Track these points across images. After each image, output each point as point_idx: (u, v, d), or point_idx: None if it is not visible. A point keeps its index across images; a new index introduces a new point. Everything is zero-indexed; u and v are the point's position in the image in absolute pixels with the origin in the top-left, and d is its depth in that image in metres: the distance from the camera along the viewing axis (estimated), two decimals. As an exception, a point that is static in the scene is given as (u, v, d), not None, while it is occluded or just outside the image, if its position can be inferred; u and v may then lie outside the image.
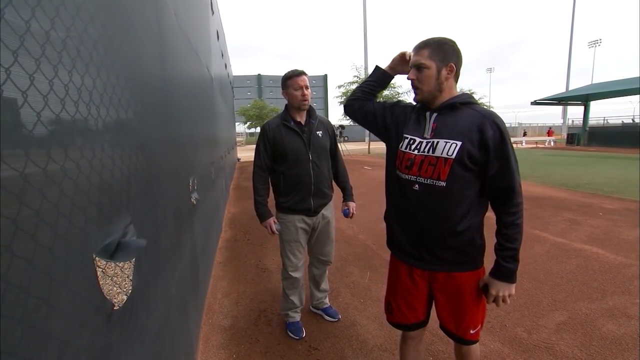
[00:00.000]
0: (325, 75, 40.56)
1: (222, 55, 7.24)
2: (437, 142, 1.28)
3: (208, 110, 3.86)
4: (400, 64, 1.49)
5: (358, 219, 5.07)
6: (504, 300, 1.31)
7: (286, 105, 2.21)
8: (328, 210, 2.31)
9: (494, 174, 1.24)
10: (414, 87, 1.34)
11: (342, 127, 24.75)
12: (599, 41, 45.40)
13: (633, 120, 25.93)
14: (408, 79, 1.35)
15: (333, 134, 2.34)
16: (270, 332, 2.40)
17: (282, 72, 2.18)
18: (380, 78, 1.57)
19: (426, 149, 1.30)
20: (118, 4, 1.09)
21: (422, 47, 1.29)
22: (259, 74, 36.64)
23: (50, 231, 0.65)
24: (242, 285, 3.14)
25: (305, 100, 2.10)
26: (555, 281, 2.98)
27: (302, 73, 2.11)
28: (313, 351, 2.17)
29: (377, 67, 1.58)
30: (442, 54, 1.27)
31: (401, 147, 1.38)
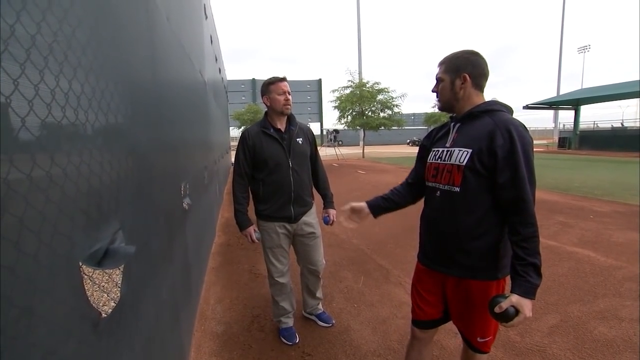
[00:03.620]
0: (320, 80, 40.62)
1: (216, 59, 7.22)
2: (454, 150, 1.35)
3: (201, 114, 3.84)
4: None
5: (352, 223, 5.06)
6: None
7: (266, 112, 2.20)
8: (310, 216, 2.28)
9: (503, 182, 1.23)
10: (437, 97, 1.46)
11: (336, 131, 24.80)
12: (588, 47, 46.19)
13: (622, 124, 26.36)
14: (432, 91, 1.47)
15: (313, 141, 2.34)
16: (263, 338, 2.38)
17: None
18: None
19: (446, 158, 1.38)
20: (107, 8, 1.09)
21: (441, 63, 1.41)
22: (254, 78, 36.57)
23: (35, 239, 0.64)
24: (235, 291, 3.12)
25: (288, 105, 2.11)
26: (547, 284, 2.99)
27: (284, 79, 2.13)
28: (306, 357, 2.15)
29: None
30: (455, 66, 1.36)
31: (429, 159, 1.49)
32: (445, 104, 1.43)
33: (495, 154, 1.22)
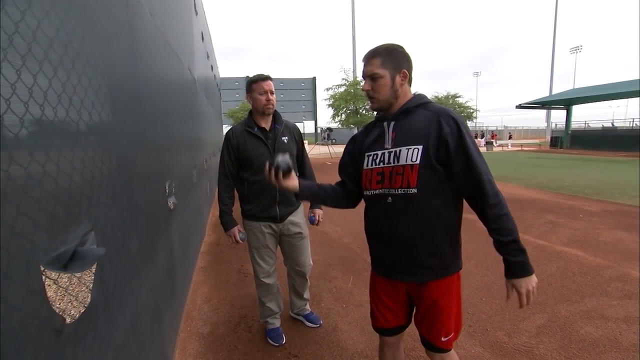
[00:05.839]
0: (314, 78, 40.47)
1: (208, 56, 7.15)
2: (400, 150, 1.26)
3: (190, 112, 3.79)
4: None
5: (343, 223, 5.04)
6: (532, 293, 1.21)
7: (250, 111, 2.16)
8: (297, 216, 2.25)
9: (460, 170, 1.21)
10: (370, 97, 1.33)
11: (329, 129, 24.79)
12: (579, 47, 46.63)
13: (612, 124, 26.72)
14: (363, 90, 1.34)
15: (300, 139, 2.30)
16: (249, 339, 2.35)
17: (271, 74, 2.14)
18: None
19: (391, 160, 1.28)
20: (79, 1, 1.04)
21: (372, 56, 1.28)
22: (248, 76, 36.38)
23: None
24: (223, 291, 3.08)
25: (270, 105, 2.07)
26: (536, 283, 3.00)
27: (267, 78, 2.07)
28: (292, 358, 2.13)
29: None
30: (394, 61, 1.26)
31: (365, 166, 1.36)
32: (384, 103, 1.30)
33: (447, 143, 1.20)
